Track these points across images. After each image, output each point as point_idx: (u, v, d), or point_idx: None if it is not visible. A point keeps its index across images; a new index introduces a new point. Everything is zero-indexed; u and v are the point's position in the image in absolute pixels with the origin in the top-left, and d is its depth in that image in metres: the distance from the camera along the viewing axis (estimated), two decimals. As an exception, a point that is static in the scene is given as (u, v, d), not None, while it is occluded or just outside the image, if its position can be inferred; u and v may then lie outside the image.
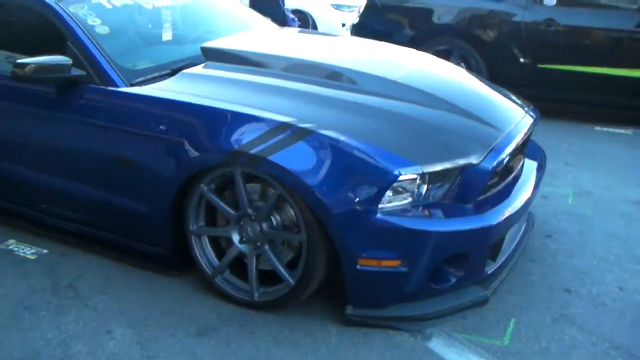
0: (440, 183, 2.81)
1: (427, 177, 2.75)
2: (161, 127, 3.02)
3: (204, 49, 3.57)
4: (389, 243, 2.73)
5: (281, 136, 2.79)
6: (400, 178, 2.68)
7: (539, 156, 3.69)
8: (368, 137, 2.79)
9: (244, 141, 2.82)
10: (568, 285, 3.26)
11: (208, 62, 3.49)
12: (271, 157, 2.75)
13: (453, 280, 2.90)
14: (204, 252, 3.16)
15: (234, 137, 2.86)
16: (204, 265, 3.15)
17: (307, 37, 4.42)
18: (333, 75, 3.47)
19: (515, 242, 3.36)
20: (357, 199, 2.68)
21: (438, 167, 2.76)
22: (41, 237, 3.76)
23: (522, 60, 6.11)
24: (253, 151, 2.78)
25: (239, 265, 3.10)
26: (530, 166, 3.49)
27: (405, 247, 2.73)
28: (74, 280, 3.35)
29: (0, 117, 3.60)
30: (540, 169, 3.54)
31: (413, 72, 3.61)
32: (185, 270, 3.32)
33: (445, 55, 6.24)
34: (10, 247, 3.72)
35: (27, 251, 3.67)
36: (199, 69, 3.43)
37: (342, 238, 2.71)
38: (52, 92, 3.33)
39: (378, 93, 3.19)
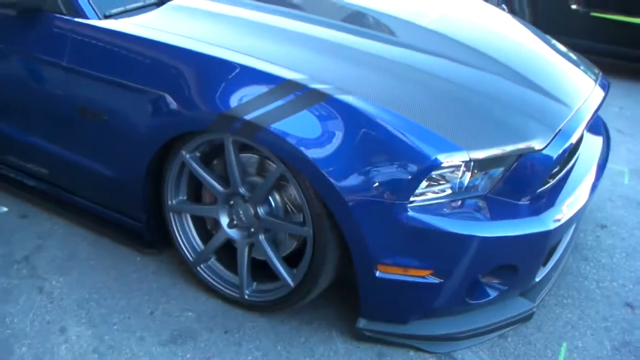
0: (489, 172, 2.17)
1: (473, 164, 2.11)
2: (138, 73, 2.38)
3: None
4: (418, 248, 2.11)
5: (287, 98, 2.14)
6: (441, 165, 2.04)
7: (600, 129, 3.02)
8: (401, 108, 2.12)
9: (239, 102, 2.17)
10: (630, 297, 2.65)
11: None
12: (272, 127, 2.10)
13: (494, 294, 2.30)
14: (185, 234, 2.56)
15: (226, 95, 2.20)
16: (184, 249, 2.56)
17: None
18: (359, 19, 2.79)
19: (569, 237, 2.73)
20: (382, 189, 2.04)
21: (489, 152, 2.11)
22: (3, 191, 3.17)
23: (573, 6, 5.33)
24: (249, 116, 2.13)
25: (228, 251, 2.51)
26: (591, 143, 2.83)
27: (439, 254, 2.12)
28: (32, 253, 2.77)
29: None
30: (605, 147, 2.88)
31: (458, 22, 2.91)
32: (165, 248, 2.73)
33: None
34: (-37, 201, 3.14)
35: (-17, 208, 3.10)
36: (193, 0, 2.74)
37: (359, 238, 2.09)
38: (9, 19, 2.67)
39: (416, 47, 2.51)
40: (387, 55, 2.45)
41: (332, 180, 2.05)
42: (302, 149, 2.07)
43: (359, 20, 2.80)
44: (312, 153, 2.07)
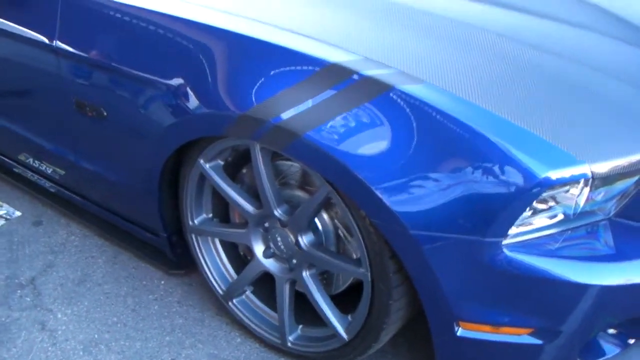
0: (617, 187, 1.53)
1: (595, 181, 1.47)
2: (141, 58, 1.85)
3: None
4: (515, 299, 1.52)
5: (331, 91, 1.54)
6: (553, 185, 1.42)
7: None
8: (492, 101, 1.50)
9: (264, 97, 1.60)
10: None
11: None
12: (310, 134, 1.53)
13: (617, 351, 1.68)
14: (213, 260, 2.03)
15: (246, 88, 1.63)
16: (211, 279, 2.03)
17: None
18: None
19: None
20: (466, 221, 1.44)
21: (619, 162, 1.46)
22: (20, 191, 2.72)
23: None
24: (279, 119, 1.56)
25: (268, 281, 1.97)
26: None
27: (543, 308, 1.52)
28: (40, 273, 2.32)
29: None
30: None
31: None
32: (193, 269, 2.22)
33: None
34: (-29, 200, 2.71)
35: (-5, 211, 2.66)
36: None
37: (433, 287, 1.52)
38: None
39: (509, 5, 1.86)
40: (469, 20, 1.81)
41: (393, 207, 1.47)
42: (352, 164, 1.50)
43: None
44: (366, 170, 1.49)
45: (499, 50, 1.70)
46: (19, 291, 2.24)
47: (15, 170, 2.64)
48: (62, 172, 2.36)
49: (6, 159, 2.64)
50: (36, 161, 2.46)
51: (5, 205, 2.68)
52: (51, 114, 2.19)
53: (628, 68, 1.69)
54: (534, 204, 1.46)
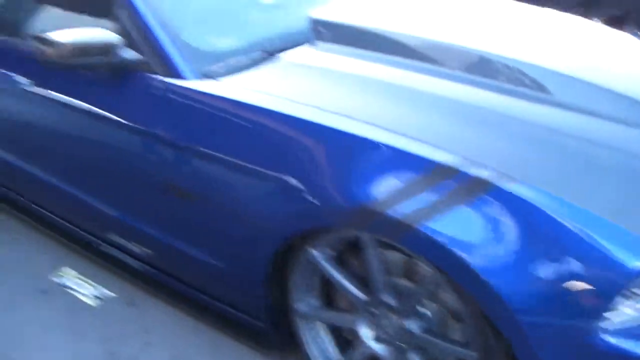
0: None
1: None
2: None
3: (315, 21, 2.47)
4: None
5: (440, 188, 1.73)
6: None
7: None
8: (582, 198, 1.68)
9: (379, 193, 1.78)
10: None
11: (321, 43, 2.40)
12: (423, 226, 1.70)
13: None
14: (317, 342, 2.17)
15: (363, 184, 1.82)
16: (316, 361, 2.18)
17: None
18: (504, 73, 2.35)
19: None
20: (566, 308, 1.61)
21: None
22: (108, 272, 2.87)
23: None
24: (394, 212, 1.74)
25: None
26: None
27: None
28: (140, 351, 2.47)
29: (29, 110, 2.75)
30: None
31: (617, 66, 2.44)
32: (290, 349, 2.34)
33: (616, 22, 4.92)
34: (65, 280, 2.88)
35: (88, 291, 2.83)
36: (306, 55, 2.34)
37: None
38: (88, 79, 2.40)
39: (582, 109, 2.05)
40: (552, 124, 2.00)
41: (502, 295, 1.63)
42: (464, 255, 1.67)
43: (503, 74, 2.35)
44: (476, 260, 1.66)
45: (584, 151, 1.89)
46: (123, 369, 2.40)
47: (103, 249, 2.80)
48: (156, 253, 2.52)
49: (93, 238, 2.82)
50: (127, 240, 2.61)
51: (98, 286, 2.85)
52: (140, 194, 2.37)
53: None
54: (626, 291, 1.62)
